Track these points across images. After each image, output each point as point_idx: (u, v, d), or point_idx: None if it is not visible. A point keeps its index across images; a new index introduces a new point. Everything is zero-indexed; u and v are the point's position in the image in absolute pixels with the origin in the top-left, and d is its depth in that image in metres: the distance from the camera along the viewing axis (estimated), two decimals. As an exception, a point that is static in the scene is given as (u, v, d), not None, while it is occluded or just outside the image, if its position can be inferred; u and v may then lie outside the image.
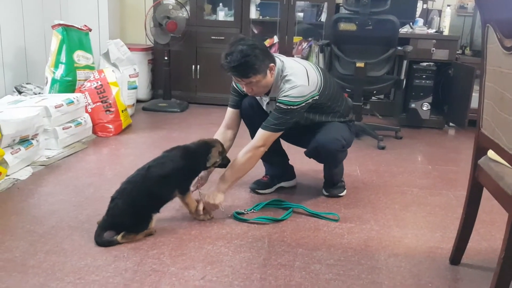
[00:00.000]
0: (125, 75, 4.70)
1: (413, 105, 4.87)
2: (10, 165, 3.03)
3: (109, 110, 4.17)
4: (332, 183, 2.98)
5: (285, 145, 3.01)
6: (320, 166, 2.95)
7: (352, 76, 4.13)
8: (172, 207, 2.63)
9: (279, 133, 2.62)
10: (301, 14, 5.43)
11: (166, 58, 5.30)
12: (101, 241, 2.24)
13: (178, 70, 5.47)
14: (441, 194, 3.13)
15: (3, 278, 1.95)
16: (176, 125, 4.62)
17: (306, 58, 5.42)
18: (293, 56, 5.24)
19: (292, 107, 2.52)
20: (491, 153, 1.91)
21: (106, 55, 4.77)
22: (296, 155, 3.11)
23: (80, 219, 2.51)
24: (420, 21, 5.10)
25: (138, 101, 5.23)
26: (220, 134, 2.82)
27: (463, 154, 4.12)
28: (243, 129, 2.90)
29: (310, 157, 2.82)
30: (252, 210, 2.69)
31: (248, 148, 2.61)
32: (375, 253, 2.30)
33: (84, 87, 4.25)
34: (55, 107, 3.62)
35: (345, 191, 3.02)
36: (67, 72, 4.30)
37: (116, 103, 4.21)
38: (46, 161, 3.38)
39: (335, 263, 2.18)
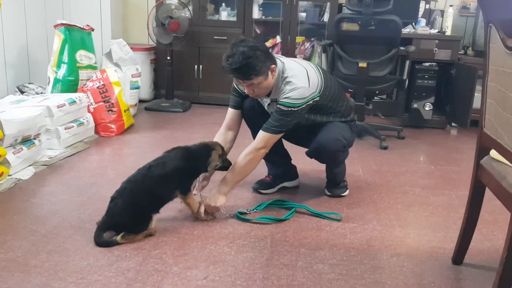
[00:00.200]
0: (127, 75, 4.70)
1: (415, 105, 4.87)
2: (12, 165, 3.03)
3: (111, 110, 4.17)
4: (335, 183, 2.98)
5: (287, 145, 3.01)
6: (323, 166, 2.94)
7: (354, 76, 4.13)
8: (175, 207, 2.63)
9: (280, 135, 2.62)
10: (303, 14, 5.42)
11: (168, 58, 5.30)
12: (100, 242, 2.24)
13: (180, 70, 5.47)
14: (443, 194, 3.13)
15: (6, 278, 1.95)
16: (178, 125, 4.63)
17: (309, 58, 5.42)
18: (295, 56, 5.26)
19: (292, 108, 2.52)
20: (493, 153, 1.90)
21: (109, 55, 4.78)
22: (298, 155, 3.11)
23: (82, 218, 2.51)
24: (423, 21, 5.09)
25: (141, 101, 5.24)
26: (221, 135, 2.82)
27: (466, 154, 4.11)
28: (245, 129, 2.90)
29: (311, 157, 2.82)
30: (255, 210, 2.69)
31: (249, 150, 2.61)
32: (377, 253, 2.29)
33: (86, 86, 4.26)
34: (58, 107, 3.62)
35: (348, 191, 3.02)
36: (69, 72, 4.31)
37: (119, 103, 4.21)
38: (48, 161, 3.38)
39: (338, 262, 2.18)
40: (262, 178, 3.04)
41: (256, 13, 5.40)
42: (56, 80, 4.29)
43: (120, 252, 2.18)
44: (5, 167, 2.97)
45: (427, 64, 4.81)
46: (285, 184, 3.07)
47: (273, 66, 2.53)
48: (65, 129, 3.67)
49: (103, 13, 5.31)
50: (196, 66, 5.49)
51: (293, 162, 3.10)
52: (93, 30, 4.70)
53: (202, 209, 2.54)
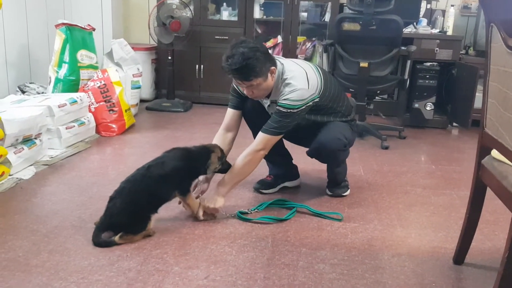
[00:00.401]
0: (128, 75, 4.70)
1: (416, 105, 4.87)
2: (13, 165, 3.03)
3: (112, 110, 4.17)
4: (336, 183, 2.98)
5: (288, 145, 3.01)
6: (324, 166, 2.94)
7: (355, 76, 4.13)
8: (176, 207, 2.63)
9: (279, 136, 2.62)
10: (305, 14, 5.42)
11: (169, 57, 5.30)
12: (99, 242, 2.23)
13: (181, 70, 5.47)
14: (444, 193, 3.12)
15: (7, 277, 1.95)
16: (179, 125, 4.63)
17: (310, 58, 5.42)
18: (296, 56, 5.26)
19: (292, 110, 2.51)
20: (494, 153, 1.90)
21: (110, 55, 4.78)
22: (299, 155, 3.11)
23: (83, 218, 2.51)
24: (424, 21, 5.09)
25: (142, 100, 5.24)
26: (220, 136, 2.81)
27: (467, 154, 4.11)
28: (246, 129, 2.90)
29: (312, 157, 2.82)
30: (256, 210, 2.69)
31: (248, 151, 2.60)
32: (378, 253, 2.29)
33: (87, 86, 4.26)
34: (59, 107, 3.62)
35: (349, 190, 3.02)
36: (70, 72, 4.31)
37: (120, 103, 4.21)
38: (49, 160, 3.38)
39: (339, 262, 2.18)
40: (263, 178, 3.04)
41: (257, 13, 5.40)
42: (57, 80, 4.29)
43: (121, 252, 2.18)
44: (6, 166, 2.97)
45: (428, 64, 4.81)
46: (286, 184, 3.07)
47: (273, 67, 2.53)
48: (66, 128, 3.67)
49: (104, 13, 5.31)
50: (197, 66, 5.49)
51: (294, 162, 3.09)
52: (94, 29, 4.70)
53: (200, 213, 2.54)
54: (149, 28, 5.11)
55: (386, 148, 4.11)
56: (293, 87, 2.52)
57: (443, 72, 4.90)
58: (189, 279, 1.99)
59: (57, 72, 4.30)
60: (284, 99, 2.52)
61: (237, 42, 2.47)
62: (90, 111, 4.10)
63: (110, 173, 3.22)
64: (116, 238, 2.24)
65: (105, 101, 4.18)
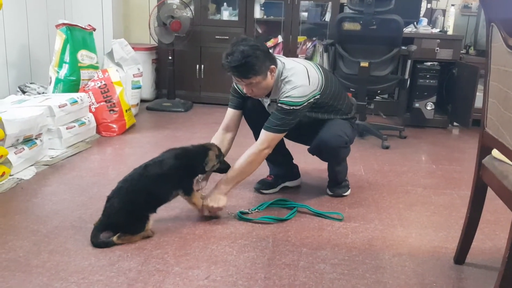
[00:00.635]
0: (129, 75, 4.70)
1: (417, 105, 4.87)
2: (14, 165, 3.03)
3: (113, 110, 4.17)
4: (336, 182, 2.98)
5: (289, 144, 3.01)
6: (324, 166, 2.94)
7: (356, 75, 4.13)
8: (176, 207, 2.63)
9: (283, 134, 2.62)
10: (305, 14, 5.42)
11: (170, 57, 5.30)
12: (97, 243, 2.23)
13: (182, 70, 5.47)
14: (445, 193, 3.12)
15: (7, 278, 1.95)
16: (180, 125, 4.63)
17: (310, 57, 5.42)
18: (297, 56, 5.26)
19: (294, 107, 2.52)
20: (495, 152, 1.90)
21: (110, 55, 4.77)
22: (300, 155, 3.11)
23: (84, 218, 2.51)
24: (424, 21, 5.08)
25: (142, 100, 5.24)
26: (219, 136, 2.81)
27: (467, 154, 4.11)
28: (246, 128, 2.91)
29: (313, 154, 2.82)
30: (257, 210, 2.69)
31: (252, 150, 2.60)
32: (379, 253, 2.29)
33: (88, 86, 4.26)
34: (59, 107, 3.62)
35: (349, 190, 3.02)
36: (71, 72, 4.31)
37: (120, 103, 4.21)
38: (50, 160, 3.38)
39: (340, 262, 2.18)
40: (263, 178, 3.03)
41: (258, 13, 5.40)
42: (58, 80, 4.29)
43: (122, 252, 2.18)
44: (6, 167, 2.97)
45: (428, 63, 4.81)
46: (287, 183, 3.07)
47: (273, 66, 2.53)
48: (67, 129, 3.67)
49: (104, 13, 5.31)
50: (197, 66, 5.49)
51: (294, 161, 3.09)
52: (94, 30, 4.70)
53: (206, 212, 2.56)
54: (149, 28, 5.11)
55: (387, 147, 4.11)
56: (294, 84, 2.52)
57: (444, 71, 4.90)
58: (189, 279, 1.99)
59: (58, 72, 4.30)
60: (286, 96, 2.52)
61: (237, 40, 2.47)
62: (90, 111, 4.10)
63: (111, 173, 3.22)
64: (114, 238, 2.24)
65: (105, 101, 4.18)
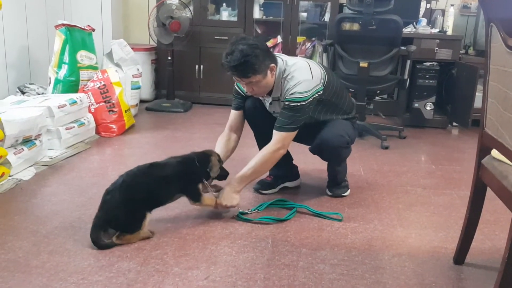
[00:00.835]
0: (128, 75, 4.70)
1: (416, 105, 4.87)
2: (13, 166, 3.03)
3: (112, 110, 4.17)
4: (336, 183, 2.97)
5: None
6: (324, 166, 2.94)
7: (355, 76, 4.13)
8: (176, 207, 2.63)
9: (295, 132, 2.62)
10: (304, 14, 5.42)
11: (169, 58, 5.30)
12: (99, 243, 2.21)
13: (181, 70, 5.47)
14: (444, 193, 3.12)
15: (6, 278, 1.95)
16: (179, 125, 4.62)
17: (310, 58, 5.41)
18: (296, 56, 5.24)
19: (301, 103, 2.53)
20: (494, 153, 1.90)
21: (110, 55, 4.77)
22: (300, 155, 3.11)
23: (83, 219, 2.51)
24: (424, 21, 5.09)
25: (142, 101, 5.24)
26: (225, 136, 2.84)
27: (467, 154, 4.11)
28: (247, 128, 2.91)
29: (314, 153, 2.82)
30: (256, 210, 2.68)
31: (266, 150, 2.61)
32: (379, 253, 2.29)
33: (87, 87, 4.26)
34: (58, 107, 3.62)
35: (349, 190, 3.01)
36: (70, 72, 4.31)
37: (120, 103, 4.21)
38: (49, 161, 3.38)
39: (339, 263, 2.18)
40: (263, 178, 3.03)
41: (257, 13, 5.40)
42: (57, 81, 4.29)
43: (121, 253, 2.18)
44: (6, 167, 2.97)
45: (428, 63, 4.81)
46: (287, 184, 3.06)
47: (273, 65, 2.54)
48: (66, 129, 3.67)
49: (104, 14, 5.31)
50: (197, 66, 5.49)
51: (294, 162, 3.09)
52: (94, 30, 4.70)
53: (220, 208, 2.59)
54: (148, 28, 5.11)
55: (386, 148, 4.11)
56: (297, 79, 2.54)
57: (443, 71, 4.90)
58: (189, 279, 1.99)
59: (57, 72, 4.30)
60: (291, 94, 2.53)
61: (237, 39, 2.48)
62: (90, 111, 4.10)
63: (110, 173, 3.21)
64: (114, 238, 2.24)
65: (105, 101, 4.18)
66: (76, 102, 3.84)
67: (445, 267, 2.19)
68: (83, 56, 4.44)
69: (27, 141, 3.23)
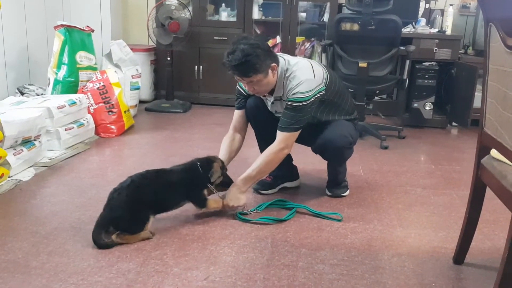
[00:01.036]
0: (127, 76, 4.70)
1: (415, 105, 4.87)
2: (12, 166, 3.03)
3: (111, 111, 4.17)
4: (336, 183, 2.97)
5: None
6: (324, 166, 2.94)
7: (355, 76, 4.13)
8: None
9: (298, 132, 2.63)
10: (303, 14, 5.42)
11: (168, 58, 5.30)
12: (99, 243, 2.22)
13: (180, 71, 5.47)
14: (444, 193, 3.12)
15: (6, 279, 1.95)
16: (179, 126, 4.62)
17: (309, 58, 5.40)
18: (295, 56, 5.25)
19: (303, 103, 2.53)
20: (494, 152, 1.90)
21: (109, 56, 4.77)
22: (299, 155, 3.11)
23: (83, 220, 2.51)
24: (423, 21, 5.08)
25: (141, 101, 5.24)
26: (229, 135, 2.86)
27: (466, 154, 4.11)
28: (248, 128, 2.91)
29: (317, 153, 2.83)
30: (256, 211, 2.68)
31: (270, 150, 2.62)
32: (378, 253, 2.29)
33: (86, 88, 4.25)
34: (58, 108, 3.62)
35: (348, 191, 3.01)
36: (69, 73, 4.31)
37: (119, 104, 4.21)
38: (49, 162, 3.38)
39: (339, 263, 2.18)
40: (263, 179, 3.03)
41: (256, 14, 5.40)
42: (56, 81, 4.29)
43: (121, 253, 2.18)
44: (5, 168, 2.97)
45: (427, 63, 4.80)
46: (286, 184, 3.06)
47: (274, 64, 2.54)
48: (65, 130, 3.67)
49: (103, 14, 5.31)
50: (196, 67, 5.49)
51: (294, 162, 3.09)
52: (93, 31, 4.69)
53: (227, 208, 2.61)
54: (148, 29, 5.11)
55: (386, 148, 4.11)
56: (299, 79, 2.54)
57: (442, 71, 4.90)
58: (188, 280, 1.99)
59: (56, 73, 4.29)
60: (294, 93, 2.54)
61: (238, 38, 2.50)
62: (89, 112, 4.10)
63: (110, 174, 3.21)
64: (114, 236, 2.24)
65: (104, 102, 4.17)
66: (75, 102, 3.84)
67: (444, 267, 2.19)
68: (82, 57, 4.44)
69: (27, 142, 3.23)
